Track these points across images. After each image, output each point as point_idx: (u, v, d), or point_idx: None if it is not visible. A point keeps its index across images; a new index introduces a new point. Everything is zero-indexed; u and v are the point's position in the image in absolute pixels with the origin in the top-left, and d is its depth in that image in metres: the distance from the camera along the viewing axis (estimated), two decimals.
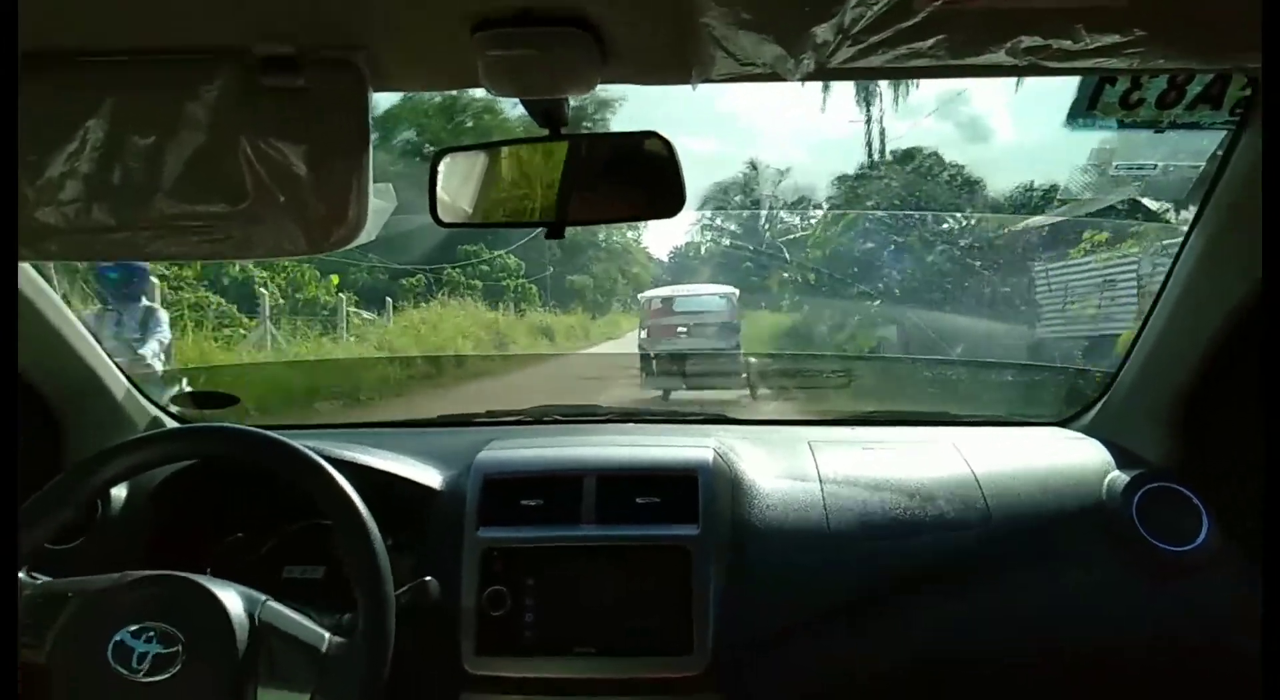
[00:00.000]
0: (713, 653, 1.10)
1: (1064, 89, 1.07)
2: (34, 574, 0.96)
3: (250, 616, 0.91)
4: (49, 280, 1.23)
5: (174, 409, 1.52)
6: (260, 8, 0.65)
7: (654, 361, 8.92)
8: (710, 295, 10.86)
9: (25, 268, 1.18)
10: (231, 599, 0.91)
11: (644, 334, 10.13)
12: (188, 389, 2.05)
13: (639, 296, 12.41)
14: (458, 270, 13.71)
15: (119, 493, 1.25)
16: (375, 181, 0.70)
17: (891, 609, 1.17)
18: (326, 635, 0.93)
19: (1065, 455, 1.35)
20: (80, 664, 0.88)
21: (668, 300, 10.80)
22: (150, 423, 1.44)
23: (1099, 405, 1.43)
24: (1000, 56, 0.71)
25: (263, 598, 0.94)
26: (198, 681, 0.87)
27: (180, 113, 0.69)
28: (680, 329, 9.94)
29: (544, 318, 15.25)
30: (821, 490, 1.25)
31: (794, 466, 1.31)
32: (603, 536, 1.17)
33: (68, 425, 1.33)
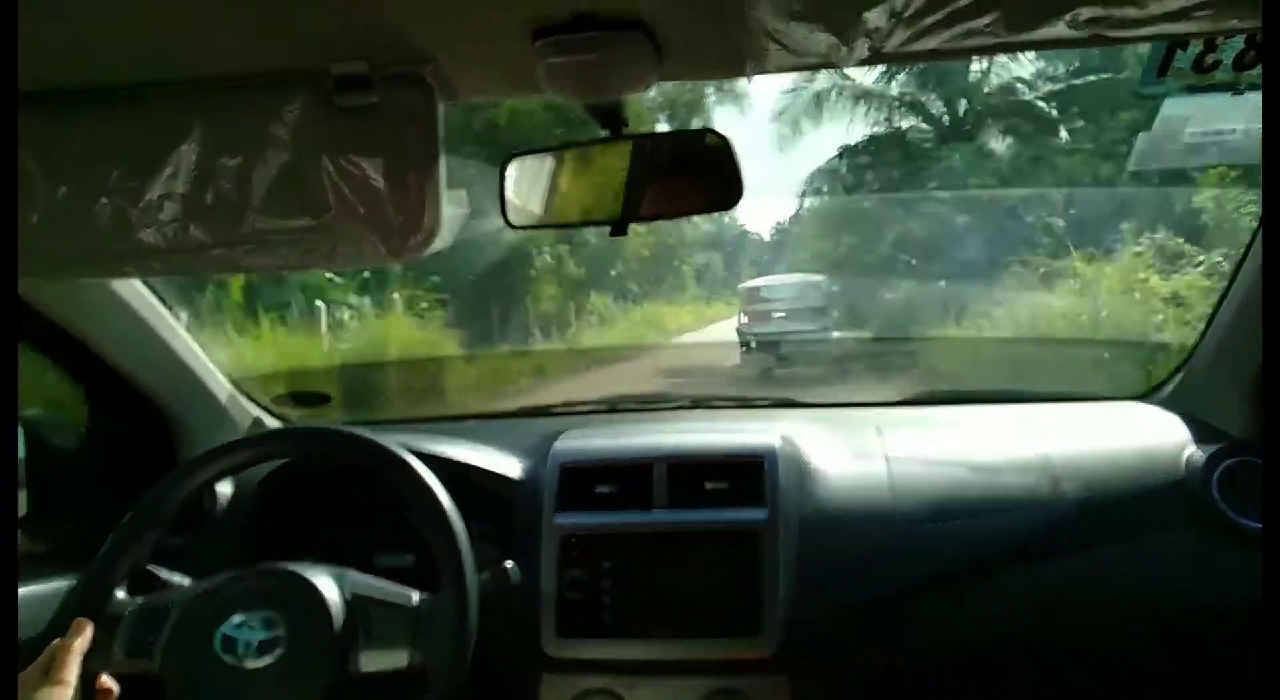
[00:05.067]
0: (783, 634, 1.12)
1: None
2: (133, 592, 1.02)
3: (341, 590, 0.97)
4: (155, 292, 1.33)
5: (274, 408, 1.61)
6: (333, 30, 0.68)
7: (753, 344, 9.49)
8: (802, 282, 11.36)
9: (134, 282, 1.27)
10: (321, 579, 0.97)
11: (744, 319, 10.77)
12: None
13: (739, 287, 13.02)
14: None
15: (224, 489, 1.34)
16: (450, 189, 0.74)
17: (962, 590, 1.16)
18: (415, 594, 0.98)
19: (1142, 431, 1.31)
20: (191, 663, 0.94)
21: (762, 288, 11.45)
22: (253, 422, 1.53)
23: (1176, 379, 1.39)
24: (1060, 29, 0.69)
25: (348, 572, 1.00)
26: (303, 657, 0.93)
27: (264, 134, 0.73)
28: (777, 314, 10.46)
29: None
30: (889, 472, 1.25)
31: (861, 448, 1.31)
32: (674, 522, 1.20)
33: (180, 428, 1.43)
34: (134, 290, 1.28)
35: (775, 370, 8.70)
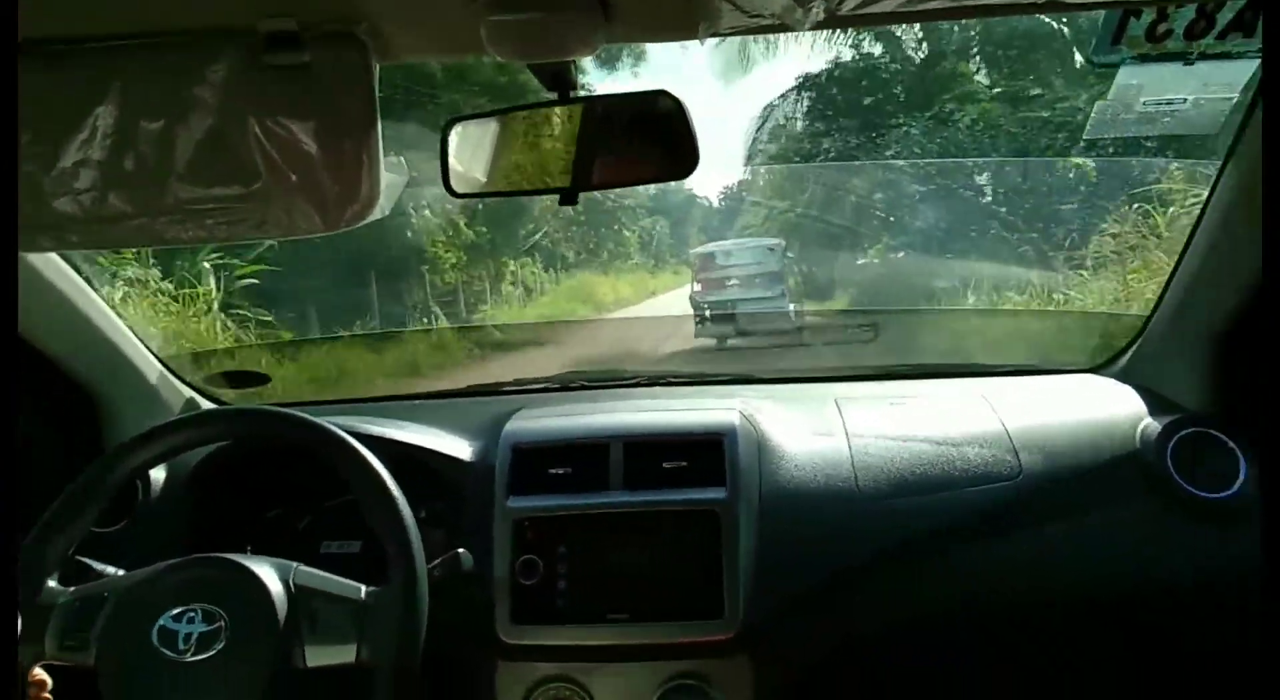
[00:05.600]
0: (744, 615, 1.11)
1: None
2: (65, 582, 0.98)
3: (285, 583, 0.94)
4: (75, 267, 1.26)
5: (207, 389, 1.55)
6: None
7: (708, 313, 9.23)
8: (756, 247, 11.05)
9: (52, 257, 1.20)
10: (265, 570, 0.94)
11: (697, 287, 10.38)
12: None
13: (691, 253, 12.54)
14: None
15: (158, 475, 1.29)
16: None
17: (922, 564, 1.17)
18: (362, 587, 0.96)
19: (1097, 403, 1.33)
20: (128, 656, 0.91)
21: (716, 254, 11.08)
22: (185, 403, 1.47)
23: (1131, 351, 1.41)
24: None
25: (294, 564, 0.97)
26: (244, 652, 0.90)
27: (187, 95, 0.69)
28: (730, 281, 10.17)
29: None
30: (849, 447, 1.25)
31: (821, 424, 1.30)
32: (631, 502, 1.18)
33: (106, 410, 1.37)
34: (51, 263, 1.21)
35: (729, 342, 8.70)
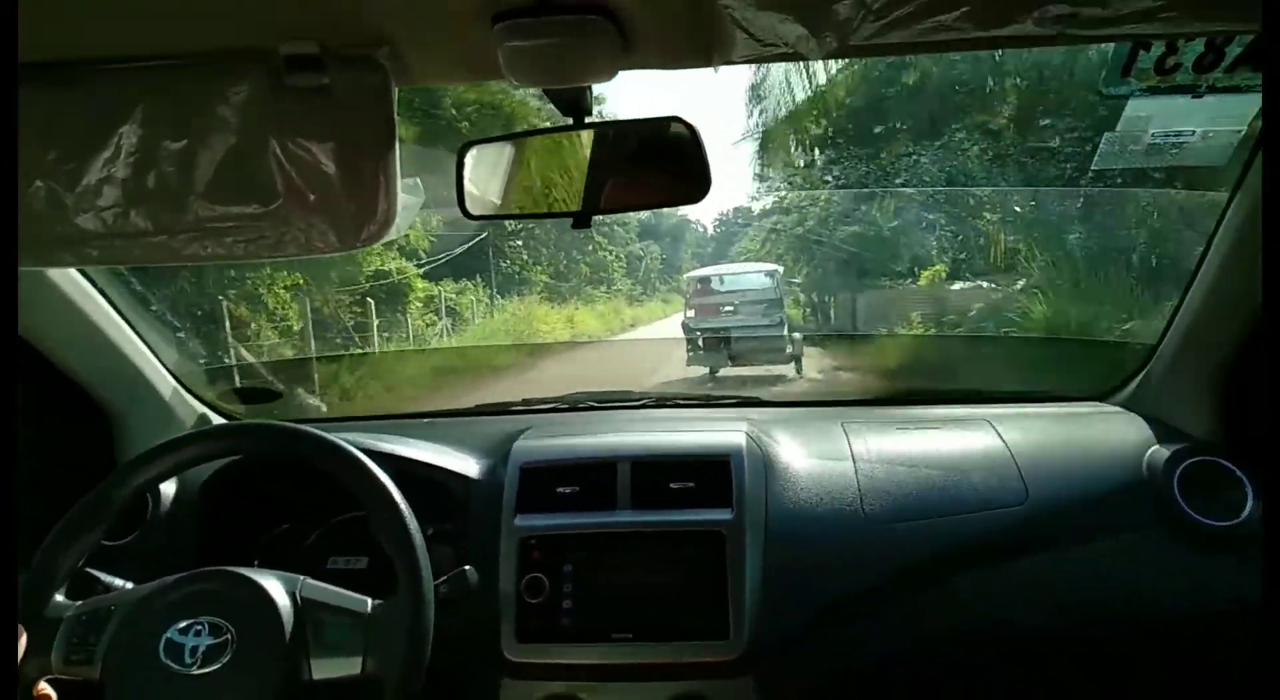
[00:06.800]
0: (749, 636, 1.11)
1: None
2: (73, 594, 0.99)
3: (291, 596, 0.94)
4: (94, 284, 1.27)
5: (220, 405, 1.56)
6: (282, 8, 0.66)
7: (700, 339, 8.94)
8: (754, 273, 10.74)
9: (72, 273, 1.21)
10: (271, 583, 0.94)
11: (690, 313, 10.06)
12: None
13: (683, 277, 12.07)
14: None
15: (168, 489, 1.29)
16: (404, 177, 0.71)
17: (928, 589, 1.17)
18: (369, 600, 0.96)
19: (1104, 430, 1.32)
20: (134, 669, 0.91)
21: (711, 279, 10.71)
22: (198, 419, 1.48)
23: (1138, 379, 1.40)
24: (1028, 27, 0.69)
25: (300, 578, 0.97)
26: (250, 665, 0.90)
27: (209, 115, 0.70)
28: (725, 307, 9.91)
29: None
30: (855, 471, 1.25)
31: (827, 448, 1.30)
32: (638, 522, 1.18)
33: (120, 424, 1.38)
34: (71, 279, 1.22)
35: (721, 372, 8.37)
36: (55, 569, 0.97)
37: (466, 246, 11.60)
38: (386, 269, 9.73)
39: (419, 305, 10.59)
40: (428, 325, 10.64)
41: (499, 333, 11.29)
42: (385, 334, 9.82)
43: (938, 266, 8.88)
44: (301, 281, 8.48)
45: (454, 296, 11.38)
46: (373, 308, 9.50)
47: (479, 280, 11.96)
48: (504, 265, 12.92)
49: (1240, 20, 0.79)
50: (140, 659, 0.90)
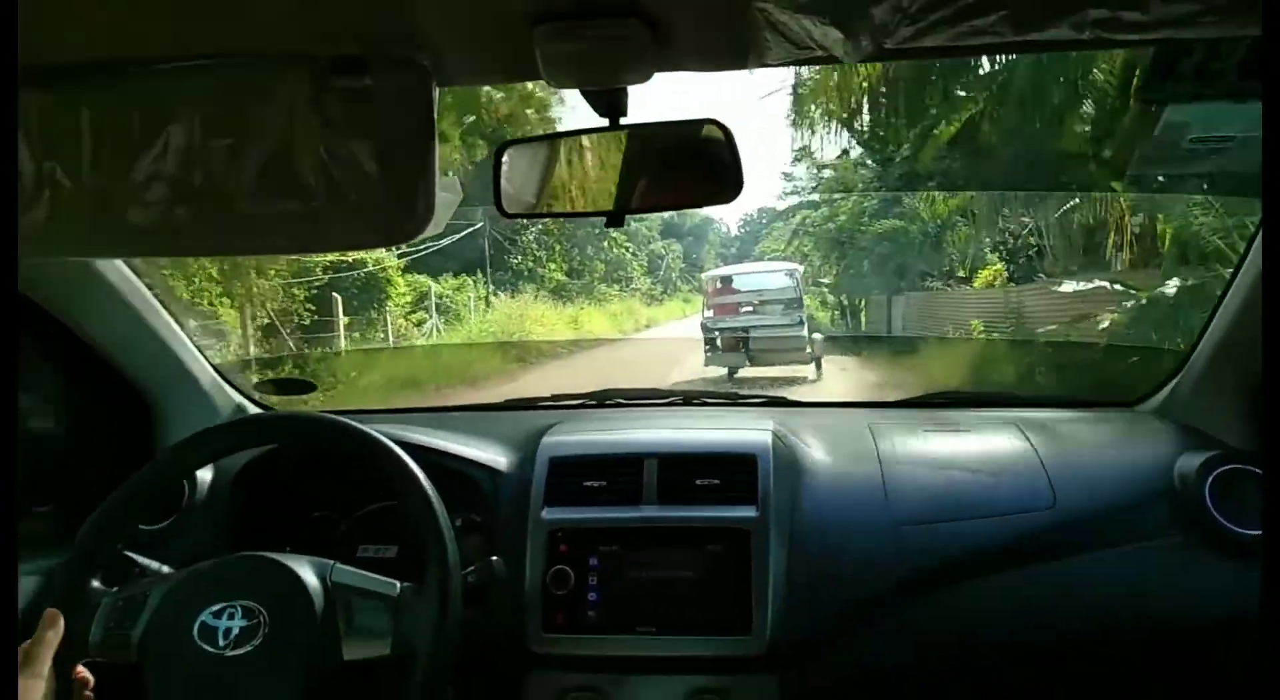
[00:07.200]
0: (772, 633, 1.11)
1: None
2: (110, 577, 1.01)
3: (322, 580, 0.96)
4: (139, 275, 1.31)
5: (257, 396, 1.59)
6: (328, 13, 0.67)
7: (719, 339, 8.79)
8: (773, 272, 10.72)
9: (117, 264, 1.25)
10: (303, 568, 0.97)
11: (709, 312, 10.00)
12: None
13: (702, 276, 11.87)
14: None
15: (204, 475, 1.32)
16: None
17: (951, 592, 1.16)
18: (398, 583, 0.98)
19: (1134, 436, 1.31)
20: (169, 651, 0.93)
21: (730, 278, 10.66)
22: (235, 409, 1.51)
23: (1170, 386, 1.39)
24: (1065, 30, 0.69)
25: (331, 562, 0.99)
26: (283, 647, 0.92)
27: (254, 114, 0.72)
28: (745, 306, 9.86)
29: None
30: (882, 472, 1.24)
31: (854, 448, 1.30)
32: (663, 518, 1.19)
33: (159, 413, 1.42)
34: (117, 271, 1.26)
35: (740, 373, 8.05)
36: (96, 553, 1.00)
37: (456, 238, 11.01)
38: (348, 259, 8.77)
39: (405, 302, 10.01)
40: (416, 324, 10.15)
41: (485, 335, 10.86)
42: (353, 333, 9.28)
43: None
44: (216, 275, 7.48)
45: (450, 293, 11.00)
46: (339, 304, 8.90)
47: (479, 276, 11.60)
48: (514, 261, 12.42)
49: None
50: (175, 641, 0.93)
